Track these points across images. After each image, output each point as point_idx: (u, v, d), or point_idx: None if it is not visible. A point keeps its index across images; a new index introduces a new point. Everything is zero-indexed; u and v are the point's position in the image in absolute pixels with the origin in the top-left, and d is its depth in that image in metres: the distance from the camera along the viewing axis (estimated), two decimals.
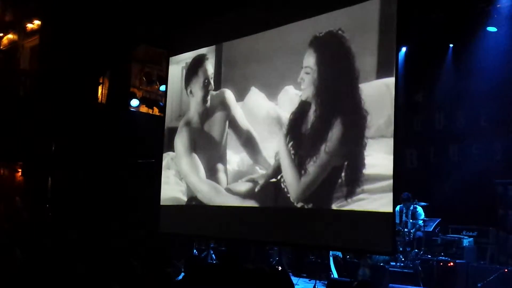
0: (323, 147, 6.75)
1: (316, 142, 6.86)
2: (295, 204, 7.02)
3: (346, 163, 6.55)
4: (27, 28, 13.57)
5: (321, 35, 7.04)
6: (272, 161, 7.44)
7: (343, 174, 6.54)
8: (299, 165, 7.01)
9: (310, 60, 7.10)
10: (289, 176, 7.12)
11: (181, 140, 8.83)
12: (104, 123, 11.32)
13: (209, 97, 8.50)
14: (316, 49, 7.09)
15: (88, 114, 11.19)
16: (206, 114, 8.51)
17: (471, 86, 9.12)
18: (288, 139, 7.21)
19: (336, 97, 6.88)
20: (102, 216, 10.33)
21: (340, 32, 6.84)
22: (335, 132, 6.66)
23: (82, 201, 10.68)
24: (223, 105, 8.29)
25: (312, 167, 6.85)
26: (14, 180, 13.66)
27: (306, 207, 6.94)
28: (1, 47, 14.19)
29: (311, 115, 7.00)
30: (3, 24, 13.98)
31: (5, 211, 13.08)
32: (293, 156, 7.11)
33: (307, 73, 7.06)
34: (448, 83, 9.60)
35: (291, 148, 7.14)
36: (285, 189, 7.17)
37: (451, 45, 9.65)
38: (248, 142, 7.88)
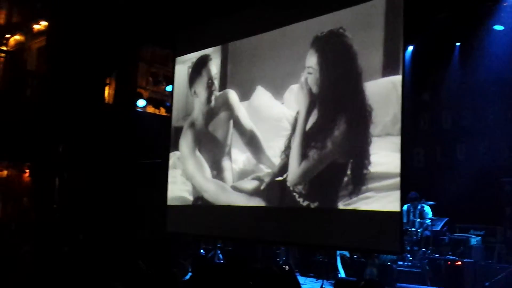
0: (328, 143, 6.77)
1: (320, 138, 6.88)
2: (301, 203, 7.02)
3: (351, 160, 6.56)
4: (34, 29, 13.61)
5: (322, 34, 7.07)
6: (277, 160, 7.44)
7: (348, 172, 6.54)
8: (303, 154, 7.06)
9: (312, 60, 7.14)
10: (292, 162, 7.18)
11: (186, 142, 8.86)
12: (111, 124, 11.34)
13: (213, 98, 8.52)
14: (317, 49, 7.13)
15: (95, 114, 11.21)
16: (210, 114, 8.53)
17: (478, 85, 9.10)
18: (294, 136, 7.22)
19: (340, 95, 6.89)
20: (109, 216, 10.35)
21: (341, 30, 6.86)
22: (339, 130, 6.68)
23: (89, 202, 10.71)
24: (227, 106, 8.32)
25: (314, 155, 6.92)
26: (22, 181, 13.72)
27: (312, 206, 6.94)
28: (8, 48, 14.23)
29: (316, 113, 7.02)
30: (10, 26, 14.04)
31: (12, 211, 13.15)
32: (300, 150, 7.13)
33: (310, 73, 7.11)
34: (455, 81, 9.58)
35: (299, 143, 7.16)
36: (288, 184, 7.19)
37: (457, 44, 9.62)
38: (252, 142, 7.91)
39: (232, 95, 8.28)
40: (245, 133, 8.04)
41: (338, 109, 6.82)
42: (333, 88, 6.97)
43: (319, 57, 7.10)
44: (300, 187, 7.09)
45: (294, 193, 7.12)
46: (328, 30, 7.04)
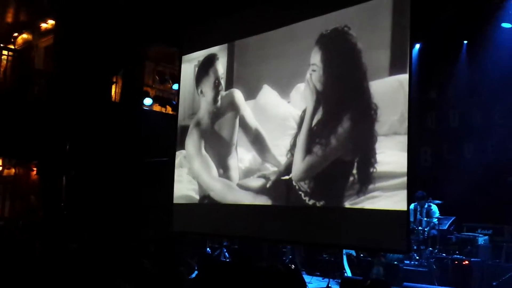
0: (332, 140, 6.78)
1: (325, 134, 6.90)
2: (307, 201, 7.02)
3: (357, 159, 6.54)
4: (41, 28, 13.66)
5: (327, 32, 7.07)
6: (283, 159, 7.43)
7: (354, 171, 6.52)
8: (307, 150, 7.09)
9: (316, 57, 7.16)
10: (296, 157, 7.20)
11: (192, 141, 8.87)
12: (117, 122, 11.37)
13: (219, 97, 8.52)
14: (321, 47, 7.15)
15: (101, 113, 11.25)
16: (216, 114, 8.54)
17: (485, 83, 9.04)
18: (300, 133, 7.22)
19: (344, 93, 6.90)
20: (116, 214, 10.39)
21: (345, 28, 6.86)
22: (343, 127, 6.69)
23: (96, 200, 10.75)
24: (233, 105, 8.33)
25: (318, 151, 6.95)
26: (29, 179, 13.79)
27: (318, 204, 6.93)
28: (16, 47, 14.30)
29: (321, 110, 7.02)
30: (17, 24, 14.10)
31: (20, 209, 13.21)
32: (304, 146, 7.14)
33: (314, 71, 7.13)
34: (463, 79, 9.52)
35: (304, 139, 7.16)
36: (293, 181, 7.20)
37: (465, 42, 9.56)
38: (257, 140, 7.92)
39: (238, 94, 8.29)
40: (250, 132, 8.05)
41: (342, 106, 6.82)
42: (337, 86, 6.97)
43: (323, 54, 7.11)
44: (305, 185, 7.09)
45: (300, 192, 7.12)
46: (333, 28, 7.03)
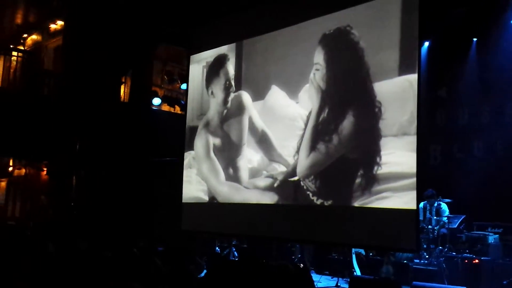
0: (335, 138, 6.81)
1: (328, 132, 6.92)
2: (315, 201, 7.02)
3: (362, 157, 6.53)
4: (51, 29, 13.74)
5: (330, 32, 7.07)
6: (291, 160, 7.43)
7: (361, 170, 6.51)
8: (312, 147, 7.12)
9: (319, 57, 7.20)
10: (301, 154, 7.25)
11: (200, 142, 8.87)
12: (126, 122, 11.41)
13: (229, 99, 8.52)
14: (324, 46, 7.17)
15: (111, 113, 11.29)
16: (226, 115, 8.54)
17: (495, 80, 8.98)
18: (305, 131, 7.22)
19: (347, 91, 6.91)
20: (125, 214, 10.42)
21: (348, 28, 6.86)
22: (346, 125, 6.71)
23: (105, 199, 10.80)
24: (242, 106, 8.33)
25: (322, 148, 6.99)
26: (40, 179, 13.88)
27: (326, 204, 6.92)
28: (25, 48, 14.40)
29: (325, 109, 7.04)
30: (27, 25, 14.19)
31: (31, 209, 13.30)
32: (309, 143, 7.15)
33: (317, 70, 7.16)
34: (472, 77, 9.46)
35: (309, 137, 7.16)
36: (298, 178, 7.20)
37: (474, 39, 9.50)
38: (263, 141, 7.93)
39: (246, 96, 8.30)
40: (256, 133, 8.06)
41: (345, 105, 6.83)
42: (340, 84, 6.99)
43: (326, 53, 7.14)
44: (312, 184, 7.08)
45: (308, 192, 7.11)
46: (335, 27, 7.03)
